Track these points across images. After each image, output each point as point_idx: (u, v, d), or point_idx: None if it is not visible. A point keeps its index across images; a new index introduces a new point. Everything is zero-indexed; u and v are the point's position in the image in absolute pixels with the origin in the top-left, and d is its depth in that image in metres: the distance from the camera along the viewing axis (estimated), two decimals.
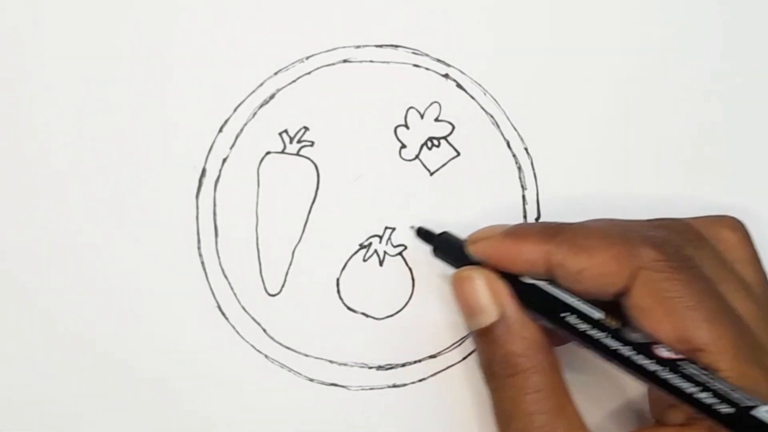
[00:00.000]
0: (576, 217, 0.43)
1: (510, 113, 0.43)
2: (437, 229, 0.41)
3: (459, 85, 0.43)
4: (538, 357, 0.37)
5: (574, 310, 0.37)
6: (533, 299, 0.38)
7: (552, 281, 0.38)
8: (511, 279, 0.38)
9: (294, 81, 0.43)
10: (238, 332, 0.42)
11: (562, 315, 0.37)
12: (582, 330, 0.36)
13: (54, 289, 0.42)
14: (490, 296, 0.38)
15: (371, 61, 0.43)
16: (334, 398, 0.42)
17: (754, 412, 0.33)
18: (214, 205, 0.42)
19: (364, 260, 0.43)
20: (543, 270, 0.37)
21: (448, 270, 0.42)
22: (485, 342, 0.38)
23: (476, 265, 0.39)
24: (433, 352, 0.43)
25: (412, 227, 0.42)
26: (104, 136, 0.42)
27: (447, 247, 0.40)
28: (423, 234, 0.42)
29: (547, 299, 0.37)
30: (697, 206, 0.43)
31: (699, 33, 0.44)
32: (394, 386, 0.42)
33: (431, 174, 0.43)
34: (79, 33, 0.42)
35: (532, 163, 0.43)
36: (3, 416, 0.42)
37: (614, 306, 0.37)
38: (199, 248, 0.42)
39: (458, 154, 0.43)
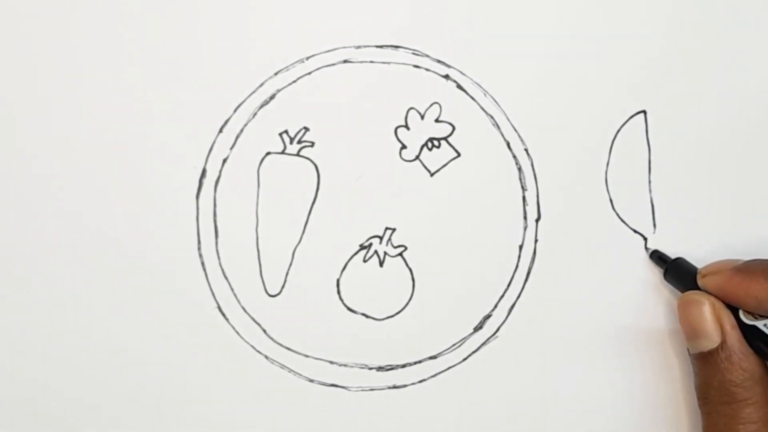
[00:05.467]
0: (575, 218, 0.43)
1: (510, 114, 0.43)
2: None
3: (459, 86, 0.43)
4: (755, 389, 0.38)
5: None
6: (752, 337, 0.39)
7: None
8: (733, 311, 0.39)
9: (294, 81, 0.43)
10: (238, 333, 0.42)
11: None
12: None
13: (54, 289, 0.42)
14: (714, 323, 0.39)
15: (372, 62, 0.43)
16: (334, 399, 0.42)
17: None
18: (214, 206, 0.42)
19: (365, 261, 0.43)
20: None
21: (448, 268, 0.42)
22: (704, 366, 0.39)
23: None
24: (434, 353, 0.43)
25: (647, 249, 0.43)
26: (104, 136, 0.42)
27: (679, 273, 0.42)
28: (657, 257, 0.43)
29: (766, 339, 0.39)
30: (693, 208, 0.43)
31: (699, 34, 0.44)
32: (394, 387, 0.42)
33: (432, 175, 0.43)
34: (78, 33, 0.42)
35: (532, 164, 0.43)
36: (3, 416, 0.42)
37: None
38: (199, 249, 0.42)
39: (459, 154, 0.43)
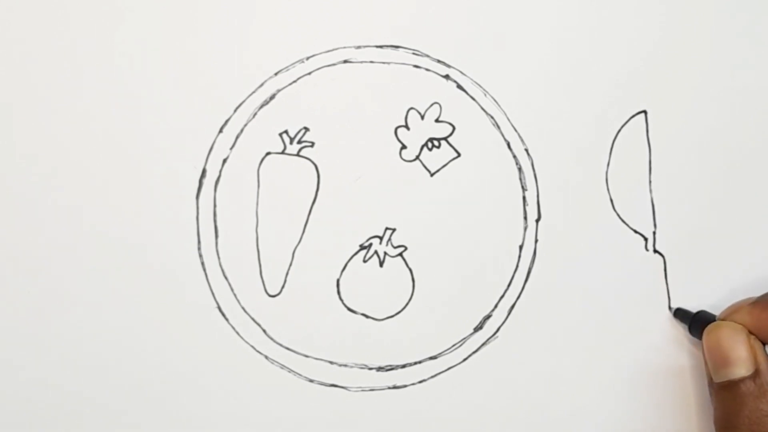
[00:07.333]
0: (575, 219, 0.43)
1: (510, 114, 0.43)
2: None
3: (459, 86, 0.43)
4: None
5: None
6: None
7: None
8: None
9: (294, 81, 0.43)
10: (238, 333, 0.42)
11: None
12: None
13: (54, 289, 0.42)
14: (748, 350, 0.38)
15: (372, 62, 0.43)
16: (334, 399, 0.42)
17: None
18: (215, 206, 0.42)
19: (365, 261, 0.43)
20: None
21: (448, 268, 0.42)
22: (731, 395, 0.38)
23: None
24: (434, 354, 0.43)
25: (670, 308, 0.43)
26: (104, 136, 0.42)
27: (703, 324, 0.41)
28: (680, 314, 0.42)
29: None
30: (693, 208, 0.43)
31: (699, 33, 0.44)
32: (394, 387, 0.42)
33: (432, 175, 0.43)
34: (79, 33, 0.42)
35: (532, 164, 0.43)
36: (3, 417, 0.42)
37: None
38: (199, 249, 0.42)
39: (459, 155, 0.43)
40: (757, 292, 0.41)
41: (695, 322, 0.42)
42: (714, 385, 0.39)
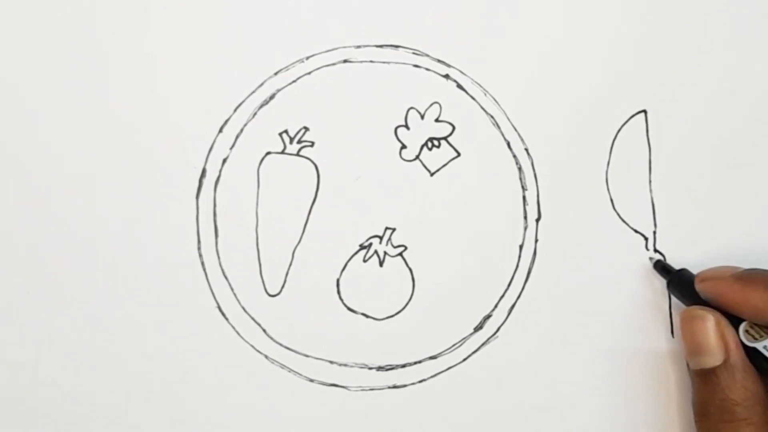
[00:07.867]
0: (575, 218, 0.43)
1: (510, 114, 0.43)
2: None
3: (459, 86, 0.43)
4: (756, 409, 0.38)
5: None
6: (755, 357, 0.38)
7: None
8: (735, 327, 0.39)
9: (294, 81, 0.43)
10: (238, 333, 0.42)
11: None
12: None
13: (54, 289, 0.42)
14: (718, 339, 0.39)
15: (371, 62, 0.43)
16: (334, 399, 0.42)
17: None
18: (214, 206, 0.42)
19: (365, 261, 0.43)
20: None
21: (448, 268, 0.42)
22: (704, 383, 0.39)
23: (707, 306, 0.40)
24: (434, 353, 0.43)
25: (651, 259, 0.43)
26: (104, 136, 0.42)
27: (681, 283, 0.41)
28: (660, 267, 0.42)
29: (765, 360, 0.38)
30: (693, 208, 0.43)
31: (699, 34, 0.44)
32: (394, 387, 0.42)
33: (432, 174, 0.43)
34: (79, 33, 0.42)
35: (532, 164, 0.43)
36: (3, 417, 0.42)
37: None
38: (199, 248, 0.42)
39: (459, 154, 0.43)
40: None
41: (674, 281, 0.42)
42: (690, 371, 0.40)
